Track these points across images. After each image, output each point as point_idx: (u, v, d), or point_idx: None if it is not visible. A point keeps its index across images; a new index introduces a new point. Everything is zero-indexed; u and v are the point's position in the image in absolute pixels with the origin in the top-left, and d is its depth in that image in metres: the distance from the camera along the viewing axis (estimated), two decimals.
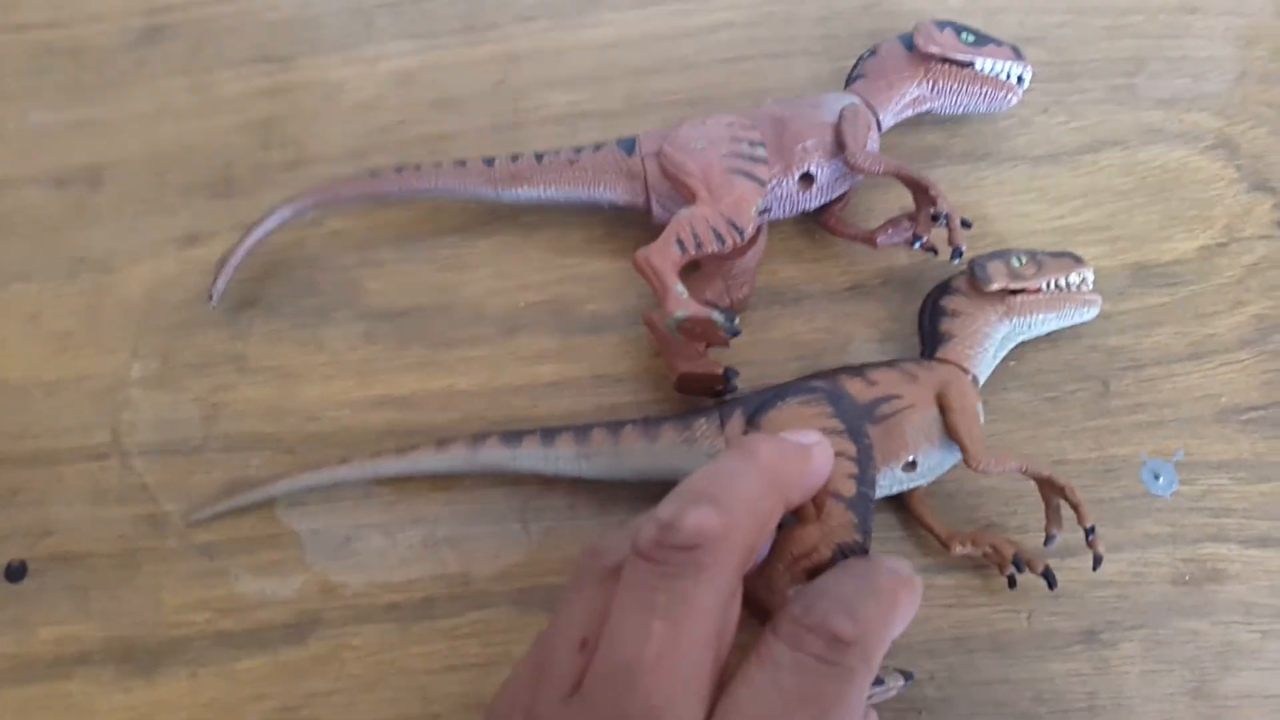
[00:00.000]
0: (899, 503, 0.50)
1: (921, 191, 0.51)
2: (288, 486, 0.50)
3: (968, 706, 0.47)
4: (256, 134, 0.58)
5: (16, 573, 0.50)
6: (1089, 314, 0.52)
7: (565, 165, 0.53)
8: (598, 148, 0.53)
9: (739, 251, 0.53)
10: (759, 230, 0.54)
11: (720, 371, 0.50)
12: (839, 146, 0.52)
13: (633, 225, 0.54)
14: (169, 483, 0.52)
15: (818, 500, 0.46)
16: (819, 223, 0.55)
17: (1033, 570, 0.48)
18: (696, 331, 0.47)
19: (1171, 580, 0.50)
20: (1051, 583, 0.48)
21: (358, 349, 0.54)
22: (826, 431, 0.47)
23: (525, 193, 0.53)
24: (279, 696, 0.48)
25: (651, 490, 0.50)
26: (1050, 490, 0.47)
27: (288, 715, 0.48)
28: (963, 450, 0.47)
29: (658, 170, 0.52)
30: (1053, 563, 0.48)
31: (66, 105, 0.60)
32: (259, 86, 0.59)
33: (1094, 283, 0.52)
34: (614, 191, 0.53)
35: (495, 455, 0.49)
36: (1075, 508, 0.46)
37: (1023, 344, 0.53)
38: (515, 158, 0.53)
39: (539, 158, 0.53)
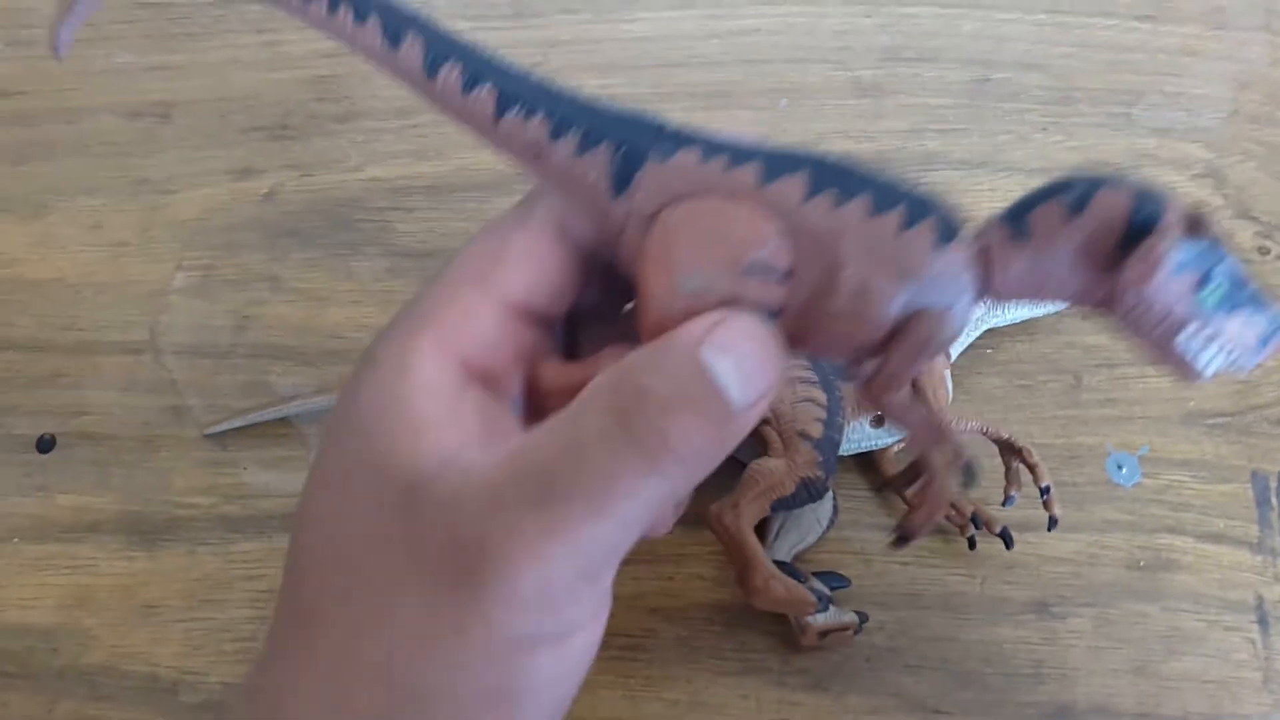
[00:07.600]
0: (870, 465, 0.53)
1: None
2: (300, 407, 0.54)
3: (915, 659, 0.49)
4: (314, 88, 0.63)
5: (46, 445, 0.54)
6: (1060, 304, 0.55)
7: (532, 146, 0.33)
8: (586, 147, 0.33)
9: None
10: None
11: None
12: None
13: None
14: (195, 381, 0.56)
15: (785, 437, 0.49)
16: None
17: (990, 530, 0.51)
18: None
19: (1125, 564, 0.52)
20: (1008, 543, 0.50)
21: (382, 281, 0.58)
22: (801, 381, 0.50)
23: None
24: (269, 579, 0.51)
25: None
26: (1009, 453, 0.50)
27: (274, 597, 0.51)
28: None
29: (639, 245, 0.32)
30: (1012, 535, 0.51)
31: (148, 50, 0.66)
32: (321, 49, 0.65)
33: None
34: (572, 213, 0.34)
35: None
36: (1032, 469, 0.49)
37: (1002, 334, 0.56)
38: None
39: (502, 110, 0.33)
